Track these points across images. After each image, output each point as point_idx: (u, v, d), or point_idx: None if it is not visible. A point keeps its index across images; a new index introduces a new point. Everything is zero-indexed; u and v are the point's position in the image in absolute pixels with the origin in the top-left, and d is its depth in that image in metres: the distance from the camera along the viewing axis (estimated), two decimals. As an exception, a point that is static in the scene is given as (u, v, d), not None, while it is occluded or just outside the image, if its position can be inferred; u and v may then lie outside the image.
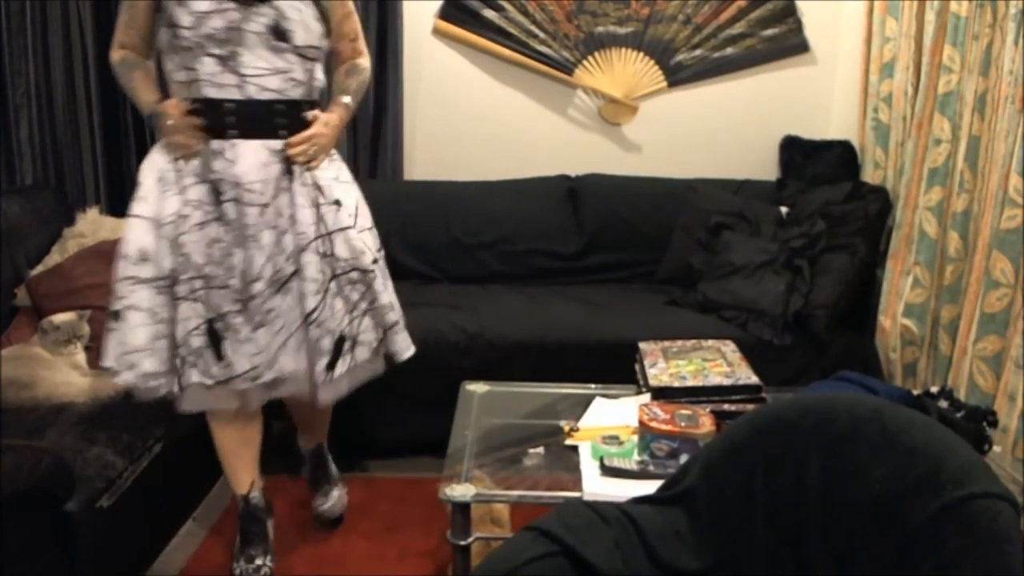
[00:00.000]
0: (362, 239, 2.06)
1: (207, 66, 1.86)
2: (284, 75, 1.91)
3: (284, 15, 1.89)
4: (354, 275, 2.04)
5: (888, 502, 1.10)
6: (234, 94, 1.88)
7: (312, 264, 1.97)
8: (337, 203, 2.02)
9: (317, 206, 1.99)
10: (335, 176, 2.06)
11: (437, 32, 3.43)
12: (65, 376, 2.26)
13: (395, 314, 2.16)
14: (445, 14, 3.41)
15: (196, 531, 2.41)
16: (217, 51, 1.85)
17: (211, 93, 1.88)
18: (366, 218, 2.12)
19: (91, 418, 2.10)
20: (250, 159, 1.91)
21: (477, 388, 2.22)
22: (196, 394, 1.98)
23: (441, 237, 3.31)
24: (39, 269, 2.71)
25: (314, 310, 1.98)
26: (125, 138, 3.28)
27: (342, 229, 2.02)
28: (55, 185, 3.20)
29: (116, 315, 1.93)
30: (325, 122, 2.02)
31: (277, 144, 1.94)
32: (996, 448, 1.81)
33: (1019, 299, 2.23)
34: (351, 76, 2.17)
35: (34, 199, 2.88)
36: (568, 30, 3.43)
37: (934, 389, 1.87)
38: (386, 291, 2.13)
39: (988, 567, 1.00)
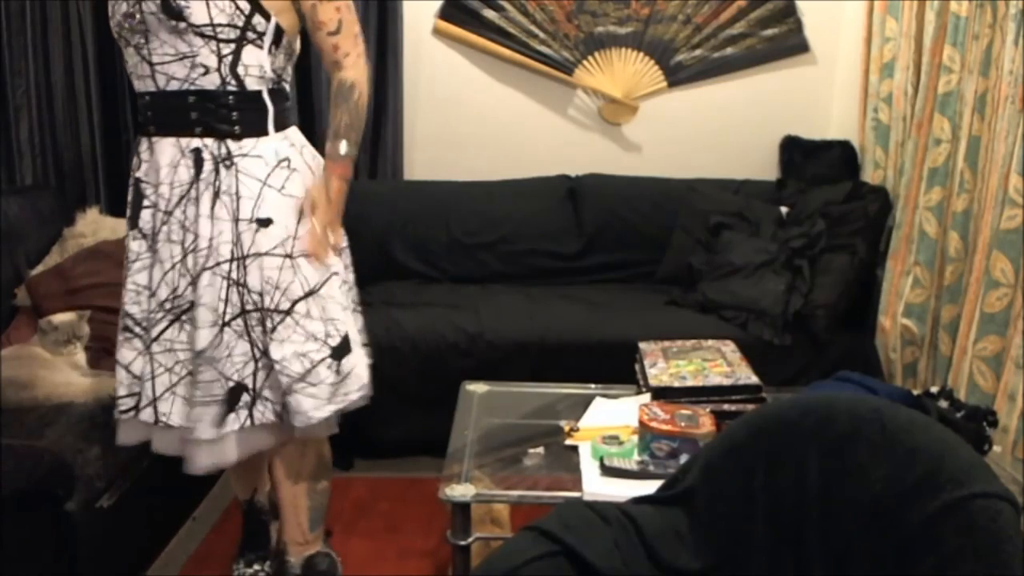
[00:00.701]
0: (284, 271, 1.70)
1: (130, 57, 1.69)
2: (188, 60, 1.63)
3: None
4: (256, 316, 1.70)
5: (888, 502, 1.10)
6: (149, 86, 1.67)
7: (211, 290, 1.67)
8: (263, 222, 1.68)
9: (236, 221, 1.68)
10: (280, 187, 1.71)
11: (437, 32, 3.43)
12: (65, 376, 2.26)
13: (299, 368, 1.70)
14: (445, 14, 3.41)
15: (196, 531, 2.41)
16: (130, 40, 1.66)
17: (136, 86, 1.71)
18: (312, 245, 1.72)
19: (91, 418, 2.10)
20: (163, 158, 1.69)
21: (477, 388, 2.22)
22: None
23: (441, 237, 3.31)
24: (39, 269, 2.71)
25: (204, 349, 1.67)
26: (125, 138, 3.28)
27: (259, 255, 1.68)
28: (55, 185, 3.20)
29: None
30: (316, 205, 1.71)
31: (193, 142, 1.67)
32: (996, 448, 1.81)
33: (1019, 299, 2.23)
34: (339, 106, 1.77)
35: (34, 199, 2.88)
36: (568, 30, 3.43)
37: (934, 389, 1.87)
38: (289, 341, 1.69)
39: (988, 567, 1.00)
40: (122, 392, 1.77)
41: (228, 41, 1.64)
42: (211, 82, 1.66)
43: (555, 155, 3.52)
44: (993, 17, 2.38)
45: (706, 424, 1.73)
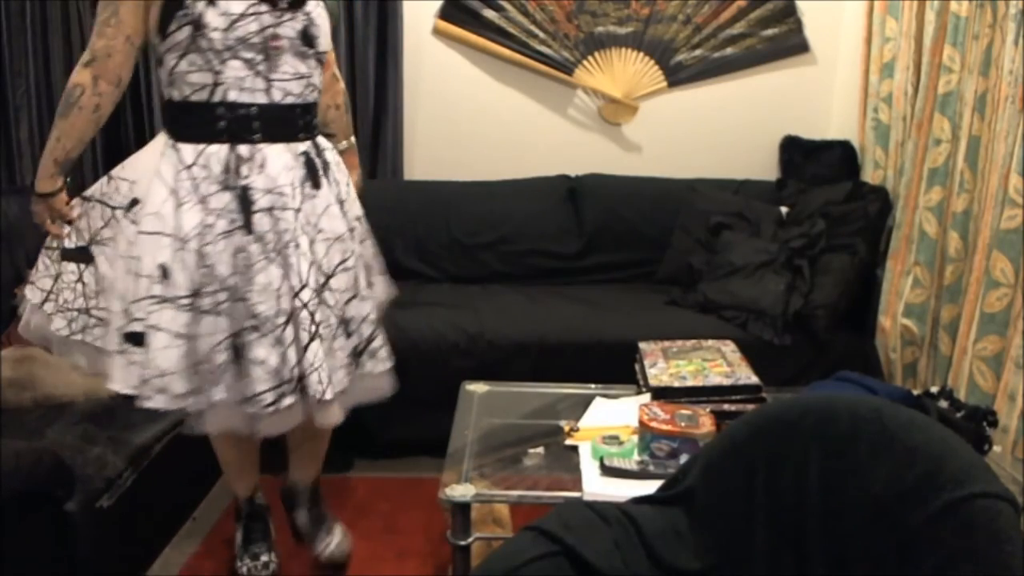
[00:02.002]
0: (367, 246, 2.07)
1: (230, 70, 1.78)
2: (305, 80, 1.86)
3: (313, 21, 1.84)
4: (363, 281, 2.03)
5: (888, 502, 1.10)
6: (259, 98, 1.81)
7: (346, 275, 1.93)
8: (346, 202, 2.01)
9: (341, 203, 1.95)
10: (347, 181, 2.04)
11: (437, 32, 3.43)
12: (65, 376, 2.26)
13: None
14: (445, 14, 3.41)
15: (196, 531, 2.41)
16: (248, 55, 1.78)
17: (235, 97, 1.80)
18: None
19: (91, 418, 2.10)
20: (277, 163, 1.83)
21: (477, 388, 2.22)
22: (218, 413, 1.85)
23: (441, 237, 3.31)
24: (39, 269, 2.71)
25: (354, 317, 1.96)
26: (125, 138, 3.28)
27: (352, 229, 2.00)
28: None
29: (135, 337, 1.78)
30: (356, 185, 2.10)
31: (299, 147, 1.88)
32: (996, 448, 1.81)
33: (1019, 299, 2.23)
34: (344, 111, 2.15)
35: (34, 199, 2.88)
36: (568, 30, 3.43)
37: (934, 389, 1.87)
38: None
39: (988, 567, 1.00)
40: (262, 387, 1.81)
41: (323, 64, 1.94)
42: (314, 98, 1.92)
43: (555, 155, 3.52)
44: (993, 17, 2.38)
45: (706, 424, 1.73)
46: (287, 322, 1.81)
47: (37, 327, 1.92)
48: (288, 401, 1.82)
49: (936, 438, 1.14)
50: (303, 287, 1.82)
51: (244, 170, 1.80)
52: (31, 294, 1.91)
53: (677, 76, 3.50)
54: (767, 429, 1.28)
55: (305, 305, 1.82)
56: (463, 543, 1.68)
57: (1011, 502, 1.05)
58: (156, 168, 1.82)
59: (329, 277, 1.90)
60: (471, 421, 2.02)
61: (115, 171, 1.91)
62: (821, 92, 3.54)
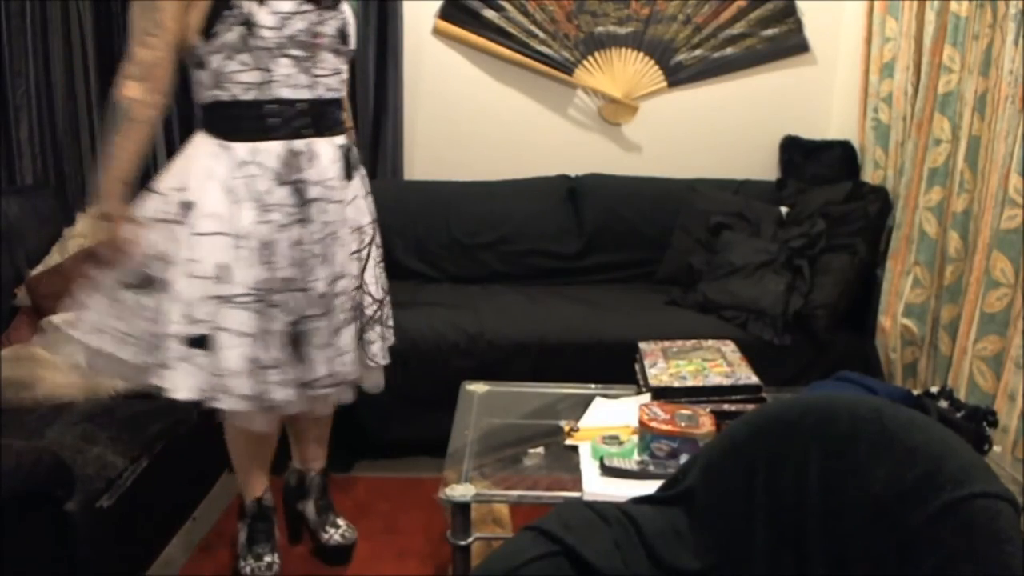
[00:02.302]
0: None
1: (278, 67, 1.82)
2: (339, 76, 1.95)
3: (347, 20, 1.94)
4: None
5: (888, 502, 1.10)
6: (304, 94, 1.87)
7: (374, 254, 2.08)
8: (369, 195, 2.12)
9: (366, 196, 2.08)
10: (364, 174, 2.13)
11: (437, 32, 3.43)
12: (65, 376, 2.26)
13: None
14: (445, 14, 3.41)
15: (196, 531, 2.41)
16: (296, 53, 1.83)
17: (285, 94, 1.85)
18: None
19: (91, 418, 2.10)
20: (326, 156, 1.91)
21: (477, 388, 2.22)
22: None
23: (441, 237, 3.31)
24: (39, 269, 2.71)
25: (382, 300, 2.11)
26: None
27: (373, 221, 2.11)
28: (55, 185, 3.20)
29: (199, 341, 1.81)
30: None
31: (338, 140, 1.97)
32: (996, 448, 1.81)
33: (1019, 299, 2.23)
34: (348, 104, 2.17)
35: (34, 199, 2.89)
36: (568, 30, 3.43)
37: (934, 389, 1.87)
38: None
39: (988, 567, 1.00)
40: (322, 372, 1.94)
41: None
42: (345, 92, 2.01)
43: (555, 155, 3.52)
44: (993, 17, 2.38)
45: (706, 424, 1.74)
46: (335, 308, 1.94)
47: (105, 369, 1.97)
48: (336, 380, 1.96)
49: (936, 438, 1.14)
50: (341, 276, 1.94)
51: (301, 164, 1.87)
52: (99, 341, 1.88)
53: (677, 76, 3.50)
54: (767, 429, 1.28)
55: (341, 293, 1.95)
56: (463, 543, 1.68)
57: (1011, 502, 1.04)
58: (208, 169, 1.84)
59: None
60: (471, 421, 2.02)
61: (160, 185, 1.89)
62: (821, 92, 3.54)
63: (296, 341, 1.89)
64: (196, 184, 1.84)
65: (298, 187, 1.86)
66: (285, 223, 1.85)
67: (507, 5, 3.39)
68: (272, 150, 1.85)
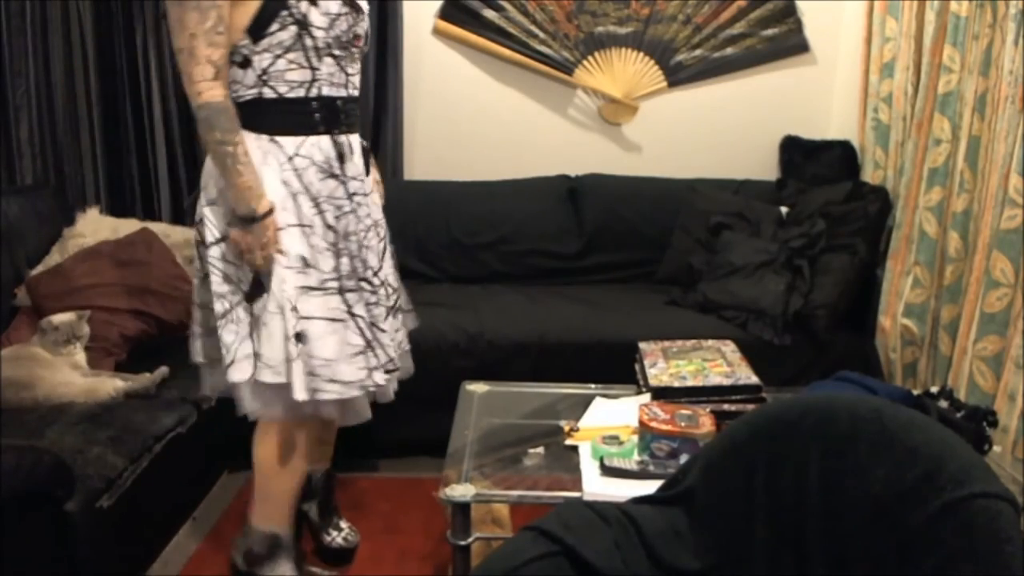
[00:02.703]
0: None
1: (324, 66, 1.87)
2: (359, 76, 2.00)
3: (367, 24, 1.98)
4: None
5: (888, 502, 1.10)
6: (341, 92, 1.93)
7: (390, 248, 2.11)
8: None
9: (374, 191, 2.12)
10: None
11: (437, 32, 3.43)
12: (65, 376, 2.26)
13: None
14: (445, 14, 3.41)
15: (196, 531, 2.41)
16: (338, 52, 1.89)
17: (327, 91, 1.89)
18: None
19: (91, 418, 2.10)
20: (357, 152, 1.98)
21: (477, 388, 2.22)
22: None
23: (441, 237, 3.31)
24: (39, 269, 2.71)
25: (397, 288, 2.13)
26: (125, 138, 3.28)
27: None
28: (55, 185, 3.20)
29: (301, 336, 1.82)
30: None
31: (359, 137, 2.03)
32: (996, 448, 1.81)
33: (1019, 299, 2.23)
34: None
35: (34, 199, 2.88)
36: (568, 30, 3.43)
37: (934, 389, 1.87)
38: None
39: (988, 567, 1.00)
40: (392, 355, 2.02)
41: None
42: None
43: (555, 155, 3.52)
44: (993, 17, 2.38)
45: (706, 424, 1.73)
46: (382, 296, 2.01)
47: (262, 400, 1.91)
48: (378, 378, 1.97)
49: (936, 438, 1.14)
50: (380, 268, 2.02)
51: (343, 158, 1.93)
52: (239, 374, 1.85)
53: (677, 76, 3.50)
54: (767, 429, 1.28)
55: (383, 283, 2.03)
56: (463, 543, 1.68)
57: (1011, 502, 1.04)
58: (266, 165, 1.85)
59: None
60: (471, 421, 2.02)
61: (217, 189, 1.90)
62: (821, 92, 3.54)
63: (371, 327, 1.95)
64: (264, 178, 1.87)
65: (342, 180, 1.92)
66: (338, 215, 1.90)
67: (507, 5, 3.39)
68: (319, 144, 1.89)
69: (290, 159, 1.86)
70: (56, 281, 2.62)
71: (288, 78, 1.84)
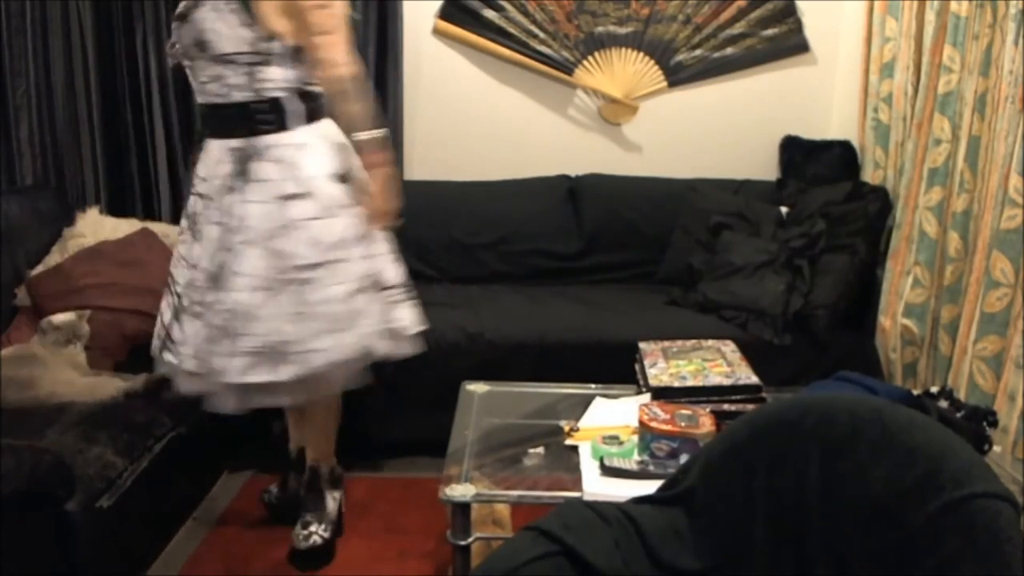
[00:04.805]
0: (316, 236, 1.98)
1: (189, 76, 2.08)
2: (221, 81, 1.98)
3: (203, 27, 1.94)
4: (292, 275, 1.97)
5: (888, 502, 1.10)
6: (199, 99, 2.08)
7: (251, 259, 1.96)
8: (302, 196, 1.98)
9: (282, 199, 1.97)
10: (313, 173, 2.01)
11: (437, 32, 3.43)
12: (65, 376, 2.26)
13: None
14: (445, 14, 3.41)
15: (196, 531, 2.41)
16: (185, 62, 2.05)
17: (197, 98, 2.11)
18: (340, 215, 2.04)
19: (91, 418, 2.10)
20: (210, 156, 2.06)
21: (477, 388, 2.22)
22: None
23: (441, 237, 3.30)
24: (39, 269, 2.71)
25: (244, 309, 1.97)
26: (125, 138, 3.28)
27: (298, 223, 1.98)
28: (55, 185, 3.20)
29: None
30: (363, 190, 2.04)
31: (234, 143, 2.01)
32: (996, 448, 1.81)
33: (1019, 299, 2.23)
34: (336, 104, 2.02)
35: (34, 199, 2.88)
36: (568, 30, 3.43)
37: (934, 389, 1.87)
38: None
39: (988, 567, 1.00)
40: None
41: (252, 64, 1.98)
42: (243, 97, 2.00)
43: (555, 155, 3.52)
44: (993, 17, 2.38)
45: (706, 424, 1.73)
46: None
47: None
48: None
49: (936, 438, 1.14)
50: (195, 268, 2.04)
51: (199, 158, 2.11)
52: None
53: (677, 76, 3.50)
54: (767, 429, 1.28)
55: (190, 286, 2.07)
56: (463, 543, 1.68)
57: (1011, 502, 1.04)
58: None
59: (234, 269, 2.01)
60: (471, 421, 2.02)
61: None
62: (821, 92, 3.53)
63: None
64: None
65: (195, 179, 2.11)
66: (187, 211, 2.17)
67: (507, 5, 3.39)
68: (209, 150, 2.09)
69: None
70: (56, 281, 2.62)
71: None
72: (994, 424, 1.76)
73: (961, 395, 2.30)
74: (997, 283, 2.28)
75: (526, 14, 3.41)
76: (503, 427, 2.04)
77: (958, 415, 1.75)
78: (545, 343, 2.72)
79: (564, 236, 3.34)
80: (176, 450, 2.20)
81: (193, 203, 2.10)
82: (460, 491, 1.66)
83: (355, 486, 2.60)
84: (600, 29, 3.44)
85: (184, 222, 2.15)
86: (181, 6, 1.98)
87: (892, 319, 2.72)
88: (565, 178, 3.44)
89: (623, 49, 3.46)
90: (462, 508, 1.66)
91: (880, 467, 1.12)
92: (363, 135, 1.98)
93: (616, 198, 3.37)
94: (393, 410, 2.71)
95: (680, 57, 3.48)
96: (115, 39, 3.18)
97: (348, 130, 2.02)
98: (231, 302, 1.97)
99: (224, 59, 1.95)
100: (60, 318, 2.37)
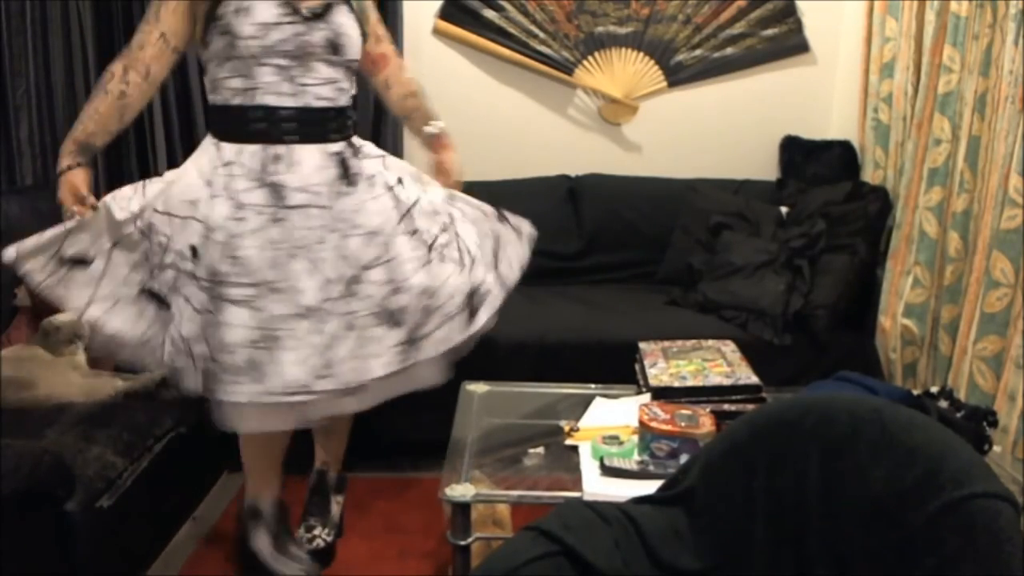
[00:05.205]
0: (426, 209, 2.07)
1: (268, 75, 1.90)
2: (334, 85, 1.97)
3: (339, 31, 1.95)
4: (433, 248, 2.02)
5: (888, 502, 1.10)
6: (289, 102, 1.92)
7: (401, 247, 1.96)
8: (400, 181, 2.06)
9: (384, 196, 2.00)
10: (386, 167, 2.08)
11: (437, 32, 3.43)
12: (65, 376, 2.26)
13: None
14: (445, 14, 3.41)
15: (196, 531, 2.41)
16: (280, 62, 1.89)
17: (270, 101, 1.91)
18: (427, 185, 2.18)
19: (91, 418, 2.10)
20: (304, 163, 1.92)
21: (477, 388, 2.22)
22: (244, 412, 1.89)
23: (441, 237, 3.30)
24: (39, 269, 2.71)
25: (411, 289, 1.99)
26: (125, 138, 3.27)
27: (412, 203, 2.05)
28: (55, 185, 3.19)
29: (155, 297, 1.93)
30: (442, 170, 2.23)
31: (332, 147, 1.96)
32: (996, 448, 1.81)
33: (1019, 299, 2.23)
34: (420, 99, 2.29)
35: (34, 199, 2.88)
36: (568, 30, 3.43)
37: (934, 389, 1.87)
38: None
39: (988, 567, 1.00)
40: (292, 377, 1.92)
41: (356, 71, 2.12)
42: (345, 101, 2.05)
43: (555, 155, 3.52)
44: (993, 17, 2.38)
45: (706, 424, 1.74)
46: (328, 314, 1.89)
47: None
48: (322, 387, 1.86)
49: (936, 438, 1.14)
50: (327, 282, 1.88)
51: (279, 168, 1.90)
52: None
53: (677, 76, 3.50)
54: (767, 429, 1.28)
55: (340, 298, 1.89)
56: (463, 543, 1.68)
57: (1011, 502, 1.04)
58: (195, 160, 1.97)
59: (366, 270, 1.92)
60: (471, 421, 2.02)
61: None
62: (821, 92, 3.53)
63: (268, 348, 1.84)
64: (181, 172, 1.99)
65: (276, 189, 1.88)
66: (261, 226, 1.86)
67: (507, 5, 3.39)
68: (253, 152, 1.90)
69: (226, 164, 1.90)
70: (56, 281, 2.62)
71: (229, 86, 1.92)
72: (994, 424, 1.76)
73: (961, 395, 2.30)
74: (997, 283, 2.28)
75: (526, 14, 3.41)
76: (503, 427, 2.05)
77: (958, 415, 1.75)
78: (545, 343, 2.72)
79: (564, 236, 3.34)
80: (176, 450, 2.20)
81: (296, 215, 1.89)
82: (460, 491, 1.66)
83: (355, 486, 2.59)
84: (600, 29, 3.44)
85: (275, 232, 1.89)
86: (307, 6, 1.90)
87: (892, 319, 2.72)
88: (565, 178, 3.44)
89: (623, 49, 3.46)
90: (462, 508, 1.66)
91: (880, 467, 1.13)
92: (441, 123, 2.25)
93: (616, 198, 3.37)
94: (393, 410, 2.70)
95: (680, 57, 3.48)
96: (115, 39, 3.18)
97: (428, 120, 2.25)
98: (416, 286, 1.95)
99: (348, 64, 1.99)
100: (60, 318, 2.37)
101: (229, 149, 1.91)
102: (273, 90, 1.90)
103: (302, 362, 1.84)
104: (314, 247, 1.88)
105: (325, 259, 1.88)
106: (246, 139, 1.91)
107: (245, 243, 1.84)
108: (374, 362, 1.92)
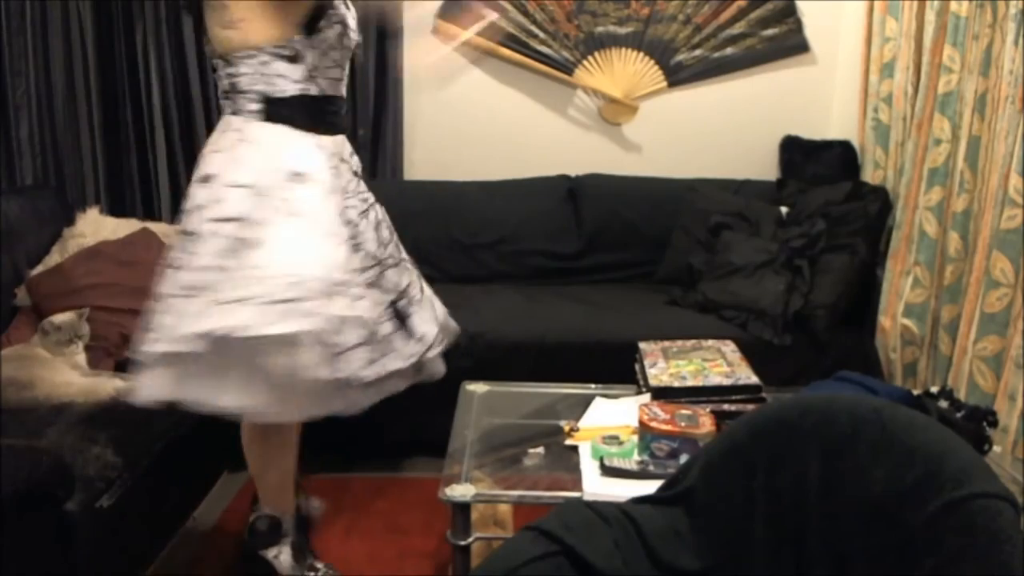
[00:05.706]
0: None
1: (346, 68, 1.99)
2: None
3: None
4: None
5: (888, 502, 1.10)
6: (336, 92, 1.98)
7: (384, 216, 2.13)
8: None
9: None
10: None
11: (437, 32, 3.43)
12: (65, 376, 2.26)
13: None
14: (445, 14, 3.40)
15: (196, 531, 2.41)
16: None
17: (342, 91, 1.99)
18: None
19: (91, 418, 2.10)
20: (345, 150, 2.01)
21: (477, 388, 2.22)
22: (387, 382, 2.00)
23: (441, 237, 3.30)
24: (39, 269, 2.71)
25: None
26: (125, 138, 3.28)
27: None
28: (55, 185, 3.20)
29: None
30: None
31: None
32: (996, 448, 1.81)
33: (1019, 299, 2.23)
34: None
35: (34, 199, 2.88)
36: (568, 30, 3.43)
37: (934, 389, 1.87)
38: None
39: (988, 567, 1.00)
40: (415, 349, 2.08)
41: None
42: None
43: (555, 155, 3.52)
44: (993, 17, 2.38)
45: (706, 424, 1.73)
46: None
47: None
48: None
49: (936, 438, 1.14)
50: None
51: (351, 155, 2.02)
52: None
53: (677, 76, 3.50)
54: (767, 429, 1.28)
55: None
56: (463, 543, 1.68)
57: (1011, 502, 1.04)
58: (307, 158, 1.88)
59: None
60: (471, 421, 2.02)
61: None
62: (821, 92, 3.53)
63: (402, 316, 2.03)
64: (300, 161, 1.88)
65: (356, 173, 2.03)
66: (365, 208, 2.00)
67: (507, 5, 3.39)
68: (343, 143, 1.99)
69: (331, 157, 1.92)
70: (56, 281, 2.62)
71: (330, 75, 1.93)
72: (994, 424, 1.76)
73: (961, 395, 2.30)
74: (997, 283, 2.28)
75: (526, 14, 3.41)
76: (503, 427, 2.05)
77: (958, 415, 1.75)
78: (545, 343, 2.72)
79: (564, 236, 3.34)
80: (176, 450, 2.20)
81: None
82: (460, 491, 1.66)
83: (355, 486, 2.60)
84: (600, 29, 3.44)
85: (378, 211, 2.08)
86: None
87: (892, 319, 2.72)
88: (565, 178, 3.44)
89: (623, 49, 3.46)
90: (462, 508, 1.67)
91: (880, 467, 1.13)
92: None
93: (616, 198, 3.37)
94: (393, 410, 2.70)
95: (680, 57, 3.48)
96: (115, 39, 3.19)
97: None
98: (412, 267, 2.15)
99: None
100: (60, 318, 2.37)
101: (328, 142, 1.92)
102: (344, 81, 1.99)
103: (429, 319, 2.09)
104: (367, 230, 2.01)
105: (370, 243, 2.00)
106: (331, 129, 1.95)
107: (360, 229, 1.96)
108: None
